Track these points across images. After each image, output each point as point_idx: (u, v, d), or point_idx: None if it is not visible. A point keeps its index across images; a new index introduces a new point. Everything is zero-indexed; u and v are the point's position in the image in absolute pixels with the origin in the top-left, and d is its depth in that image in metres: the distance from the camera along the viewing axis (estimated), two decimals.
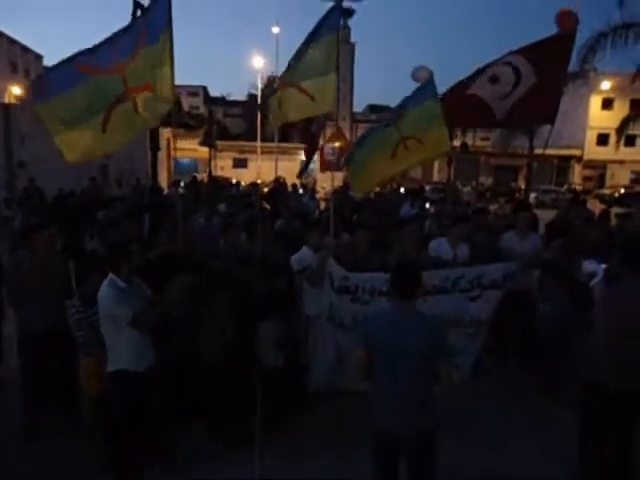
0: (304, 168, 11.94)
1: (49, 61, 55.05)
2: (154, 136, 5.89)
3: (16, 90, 40.53)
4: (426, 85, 6.08)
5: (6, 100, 36.63)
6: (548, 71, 6.18)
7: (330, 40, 4.05)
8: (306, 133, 7.18)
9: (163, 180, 18.70)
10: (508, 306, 5.04)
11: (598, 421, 3.37)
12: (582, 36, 10.36)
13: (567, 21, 6.08)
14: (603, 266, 3.67)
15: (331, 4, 4.17)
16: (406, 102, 6.13)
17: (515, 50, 6.41)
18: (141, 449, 3.66)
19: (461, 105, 6.47)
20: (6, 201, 10.41)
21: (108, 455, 3.57)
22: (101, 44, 3.96)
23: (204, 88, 60.49)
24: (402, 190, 15.42)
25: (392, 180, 8.49)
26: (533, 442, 4.08)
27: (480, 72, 6.46)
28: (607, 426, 3.32)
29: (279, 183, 14.15)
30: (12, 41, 47.53)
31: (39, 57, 53.40)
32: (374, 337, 2.69)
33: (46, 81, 4.11)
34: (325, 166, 13.01)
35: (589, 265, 3.68)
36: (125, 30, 4.05)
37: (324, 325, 4.14)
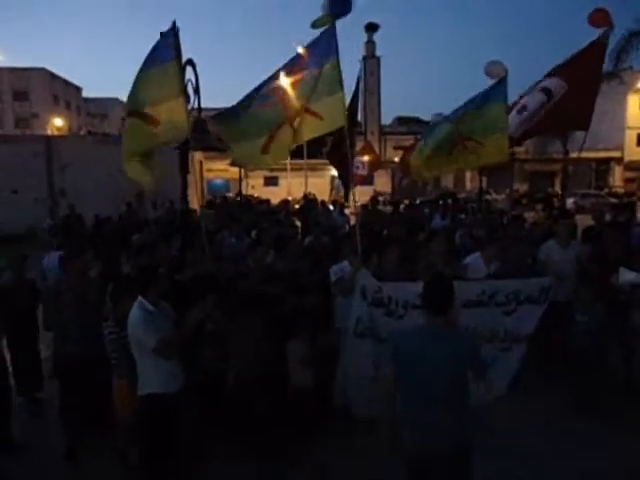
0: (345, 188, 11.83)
1: (88, 92, 57.81)
2: (183, 160, 6.04)
3: (58, 122, 42.66)
4: (497, 85, 6.02)
5: (48, 131, 38.56)
6: (579, 78, 6.10)
7: (330, 65, 4.22)
8: (337, 155, 7.31)
9: (196, 201, 19.12)
10: (548, 319, 4.85)
11: None
12: (614, 36, 10.02)
13: (600, 20, 5.94)
14: None
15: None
16: (474, 100, 6.15)
17: (549, 73, 6.53)
18: (175, 470, 3.66)
19: None
20: (49, 228, 10.88)
21: (143, 477, 3.58)
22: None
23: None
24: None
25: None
26: (573, 464, 3.84)
27: (513, 106, 6.63)
28: None
29: (308, 199, 14.19)
30: (54, 76, 50.23)
31: (79, 89, 56.21)
32: (404, 354, 2.61)
33: None
34: (355, 180, 12.98)
35: (627, 274, 3.41)
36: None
37: (352, 341, 4.04)
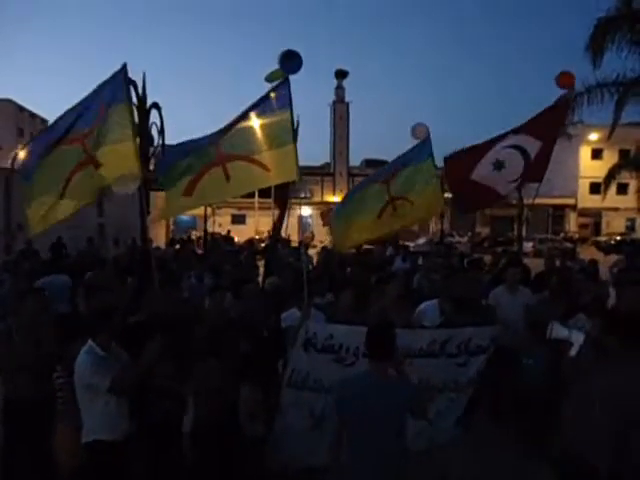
0: (279, 226, 11.63)
1: None
2: (143, 200, 6.05)
3: (21, 154, 41.66)
4: (422, 144, 6.21)
5: (9, 164, 37.63)
6: (549, 135, 6.52)
7: (283, 117, 4.20)
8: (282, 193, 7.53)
9: (161, 238, 18.92)
10: (496, 363, 5.01)
11: None
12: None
13: (567, 81, 6.44)
14: (581, 334, 3.42)
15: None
16: (400, 160, 6.21)
17: (515, 129, 6.68)
18: None
19: (465, 190, 6.66)
20: (4, 265, 10.48)
21: None
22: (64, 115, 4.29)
23: None
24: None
25: (380, 239, 8.52)
26: None
27: (481, 155, 6.62)
28: None
29: (274, 240, 14.20)
30: (21, 108, 49.54)
31: (44, 121, 55.47)
32: (346, 403, 2.67)
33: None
34: (326, 221, 13.40)
35: (559, 330, 3.52)
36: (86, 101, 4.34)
37: (286, 391, 4.02)
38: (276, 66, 4.34)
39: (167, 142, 7.60)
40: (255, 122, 4.29)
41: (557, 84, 6.54)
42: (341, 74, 47.89)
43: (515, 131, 6.80)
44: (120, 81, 4.28)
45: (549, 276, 6.90)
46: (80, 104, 4.37)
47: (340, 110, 47.98)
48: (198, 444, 3.94)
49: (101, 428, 3.35)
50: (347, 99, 48.34)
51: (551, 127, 6.56)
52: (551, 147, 6.51)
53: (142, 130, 6.70)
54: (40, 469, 4.05)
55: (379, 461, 2.59)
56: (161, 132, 7.10)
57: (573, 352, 3.13)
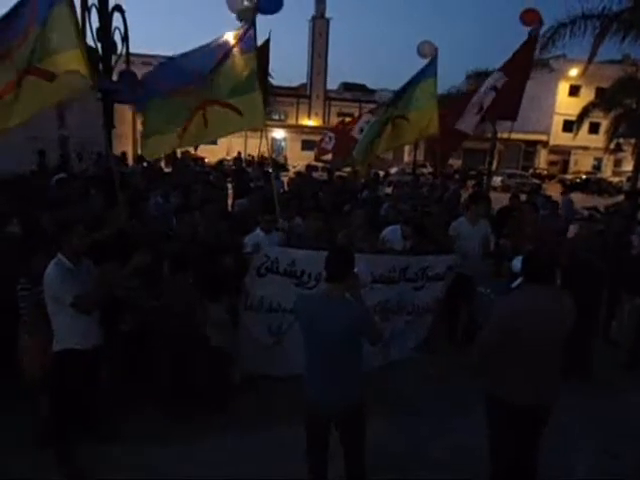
0: None
1: None
2: (107, 113, 5.75)
3: None
4: (428, 64, 6.26)
5: None
6: (515, 72, 6.59)
7: (248, 59, 4.24)
8: None
9: (128, 155, 18.25)
10: (454, 290, 5.30)
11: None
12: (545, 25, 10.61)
13: (531, 17, 6.37)
14: None
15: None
16: (408, 82, 6.37)
17: (498, 69, 7.03)
18: (87, 426, 3.74)
19: (447, 137, 7.16)
20: None
21: (50, 431, 3.60)
22: None
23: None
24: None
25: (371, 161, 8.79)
26: (465, 419, 4.10)
27: (466, 102, 7.18)
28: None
29: (239, 163, 13.95)
30: None
31: None
32: (303, 317, 2.84)
33: None
34: (317, 152, 12.75)
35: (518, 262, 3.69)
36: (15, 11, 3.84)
37: (243, 314, 4.29)
38: None
39: (132, 50, 7.14)
40: (227, 65, 4.29)
41: (522, 22, 6.53)
42: None
43: (497, 70, 6.95)
44: None
45: (511, 212, 7.19)
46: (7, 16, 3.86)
47: (320, 26, 45.49)
48: (167, 355, 4.12)
49: (70, 337, 3.43)
50: (327, 15, 45.76)
51: (519, 64, 6.63)
52: (521, 84, 6.57)
53: (103, 36, 6.26)
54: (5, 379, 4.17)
55: (332, 377, 2.79)
56: (125, 39, 6.63)
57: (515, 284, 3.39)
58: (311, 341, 2.81)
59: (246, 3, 4.93)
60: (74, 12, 3.85)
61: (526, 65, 6.75)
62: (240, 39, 4.32)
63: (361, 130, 9.25)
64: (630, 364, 5.43)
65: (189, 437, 3.84)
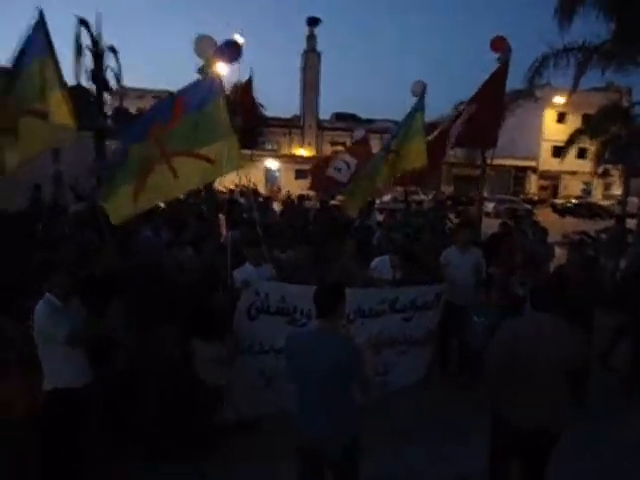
0: None
1: None
2: (99, 148, 5.82)
3: None
4: (417, 102, 6.45)
5: None
6: (488, 99, 6.72)
7: (215, 108, 4.11)
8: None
9: None
10: (446, 320, 5.27)
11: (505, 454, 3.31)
12: (530, 58, 11.00)
13: (499, 45, 6.57)
14: None
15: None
16: (401, 122, 6.52)
17: (468, 102, 7.19)
18: (77, 468, 3.63)
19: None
20: None
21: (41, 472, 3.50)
22: None
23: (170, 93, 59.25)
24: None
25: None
26: (459, 447, 4.18)
27: (446, 137, 7.27)
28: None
29: (231, 196, 13.98)
30: None
31: None
32: (292, 354, 2.80)
33: None
34: (327, 186, 9.63)
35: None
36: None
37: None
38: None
39: (126, 84, 7.27)
40: (191, 117, 4.14)
41: (491, 49, 6.78)
42: (313, 21, 46.19)
43: (468, 103, 7.12)
44: (40, 35, 4.07)
45: (500, 239, 7.25)
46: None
47: (311, 59, 46.58)
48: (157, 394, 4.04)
49: (62, 376, 3.40)
50: (319, 49, 46.93)
51: (489, 92, 6.78)
52: (494, 111, 6.72)
53: (96, 74, 6.37)
54: None
55: (324, 415, 2.73)
56: (118, 80, 6.75)
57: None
58: (302, 377, 2.76)
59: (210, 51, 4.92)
60: (56, 62, 3.97)
61: (499, 92, 6.86)
62: (199, 89, 4.20)
63: (338, 170, 8.96)
64: (629, 392, 5.41)
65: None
